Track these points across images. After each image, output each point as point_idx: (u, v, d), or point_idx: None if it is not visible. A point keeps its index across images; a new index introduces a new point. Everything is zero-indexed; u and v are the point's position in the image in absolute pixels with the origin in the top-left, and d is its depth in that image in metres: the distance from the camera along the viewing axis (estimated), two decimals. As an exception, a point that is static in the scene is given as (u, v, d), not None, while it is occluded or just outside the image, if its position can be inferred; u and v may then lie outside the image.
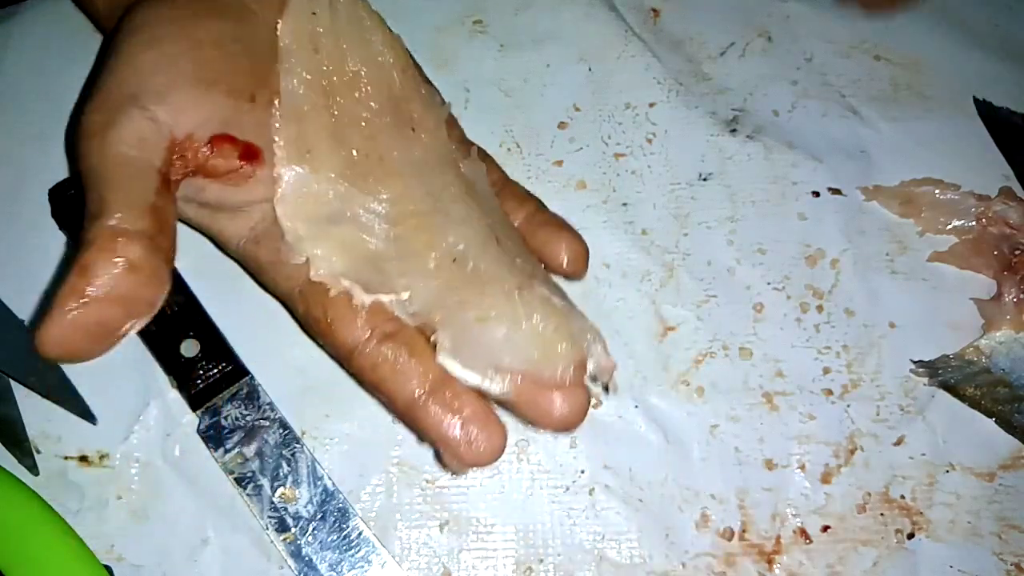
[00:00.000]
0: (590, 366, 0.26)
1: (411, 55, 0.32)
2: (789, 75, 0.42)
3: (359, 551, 0.32)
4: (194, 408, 0.33)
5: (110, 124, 0.25)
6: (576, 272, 0.31)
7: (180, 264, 0.29)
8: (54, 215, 0.36)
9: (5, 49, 0.39)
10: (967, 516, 0.34)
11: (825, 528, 0.34)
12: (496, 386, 0.26)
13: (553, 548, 0.33)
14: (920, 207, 0.39)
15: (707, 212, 0.39)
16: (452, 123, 0.32)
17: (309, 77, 0.28)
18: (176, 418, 0.34)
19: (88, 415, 0.34)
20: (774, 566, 0.33)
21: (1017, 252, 0.38)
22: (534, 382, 0.26)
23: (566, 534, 0.34)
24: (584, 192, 0.39)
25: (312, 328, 0.28)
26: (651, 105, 0.41)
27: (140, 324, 0.24)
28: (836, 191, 0.40)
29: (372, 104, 0.29)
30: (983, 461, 0.35)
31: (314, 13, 0.28)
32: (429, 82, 0.33)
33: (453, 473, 0.33)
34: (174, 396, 0.34)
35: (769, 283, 0.38)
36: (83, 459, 0.34)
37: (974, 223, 0.39)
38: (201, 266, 0.34)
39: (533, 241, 0.31)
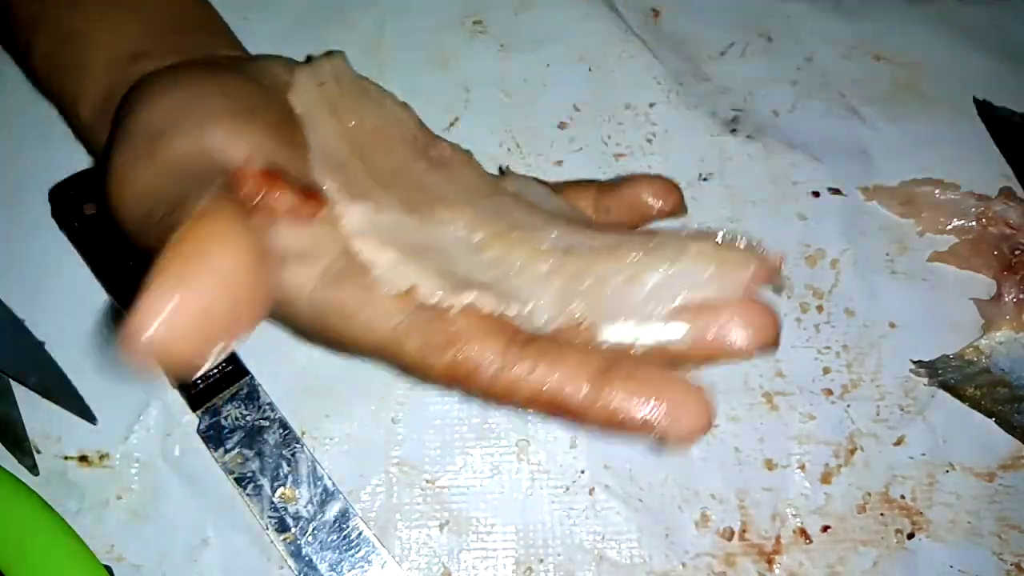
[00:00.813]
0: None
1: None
2: (789, 75, 0.42)
3: (359, 551, 0.32)
4: (194, 408, 0.33)
5: (155, 149, 0.22)
6: (676, 206, 0.28)
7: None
8: (54, 215, 0.36)
9: (5, 51, 0.39)
10: (967, 516, 0.34)
11: (825, 528, 0.34)
12: (676, 331, 0.22)
13: (553, 548, 0.33)
14: (920, 207, 0.39)
15: (707, 212, 0.39)
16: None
17: (335, 132, 0.26)
18: (176, 418, 0.34)
19: (88, 415, 0.34)
20: (774, 566, 0.33)
21: (1017, 252, 0.38)
22: (711, 312, 0.22)
23: (566, 534, 0.34)
24: (584, 192, 0.39)
25: (434, 359, 0.23)
26: (651, 105, 0.41)
27: (249, 329, 0.20)
28: (836, 191, 0.40)
29: (403, 153, 0.27)
30: (983, 461, 0.35)
31: (322, 84, 0.27)
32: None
33: (676, 449, 0.28)
34: (174, 396, 0.34)
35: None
36: (83, 459, 0.34)
37: (974, 223, 0.39)
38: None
39: (618, 207, 0.28)
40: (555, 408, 0.22)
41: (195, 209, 0.19)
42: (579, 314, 0.23)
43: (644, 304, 0.23)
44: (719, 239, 0.23)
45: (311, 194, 0.23)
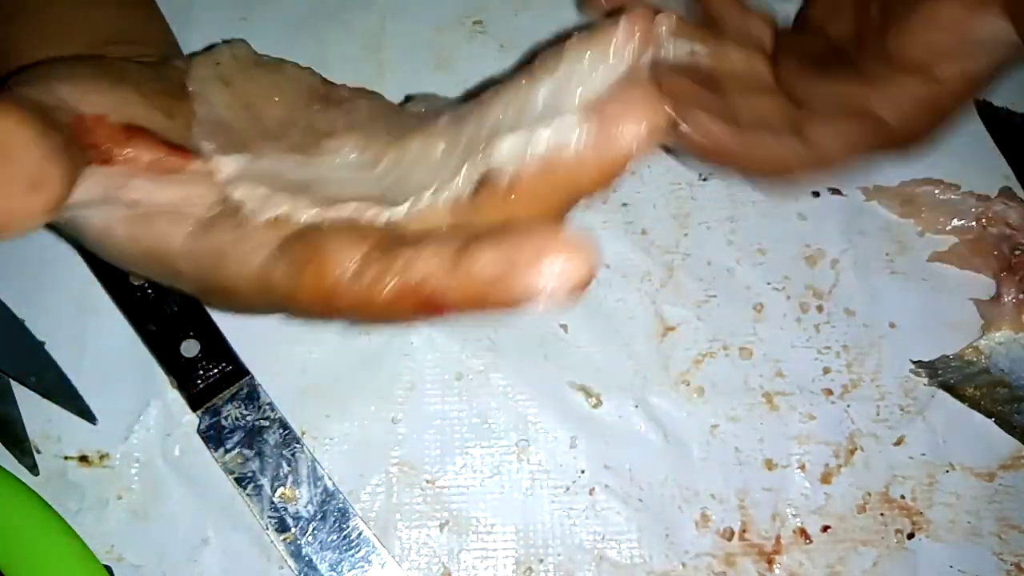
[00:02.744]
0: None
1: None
2: (789, 75, 0.42)
3: (359, 551, 0.32)
4: (194, 408, 0.33)
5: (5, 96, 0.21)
6: None
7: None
8: (54, 215, 0.36)
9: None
10: (967, 516, 0.34)
11: (825, 528, 0.34)
12: (567, 130, 0.20)
13: (553, 548, 0.33)
14: (920, 207, 0.39)
15: (707, 212, 0.39)
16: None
17: (226, 101, 0.26)
18: (176, 418, 0.34)
19: (88, 415, 0.34)
20: (774, 566, 0.33)
21: (1017, 252, 0.38)
22: (601, 105, 0.20)
23: (566, 534, 0.34)
24: (584, 192, 0.39)
25: (303, 280, 0.22)
26: (651, 105, 0.41)
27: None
28: (836, 191, 0.40)
29: (297, 102, 0.27)
30: (983, 461, 0.35)
31: (218, 63, 0.27)
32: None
33: (556, 305, 0.26)
34: (174, 396, 0.34)
35: (769, 283, 0.38)
36: (83, 459, 0.34)
37: (974, 223, 0.39)
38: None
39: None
40: (415, 303, 0.20)
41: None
42: (477, 157, 0.21)
43: (540, 112, 0.21)
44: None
45: (175, 148, 0.23)
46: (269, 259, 0.22)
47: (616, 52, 0.20)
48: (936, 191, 0.39)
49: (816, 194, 0.40)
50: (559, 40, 0.22)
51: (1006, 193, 0.39)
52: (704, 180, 0.40)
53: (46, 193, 0.20)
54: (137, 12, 0.32)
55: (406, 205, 0.22)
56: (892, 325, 0.37)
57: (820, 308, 0.37)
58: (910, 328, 0.37)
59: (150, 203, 0.24)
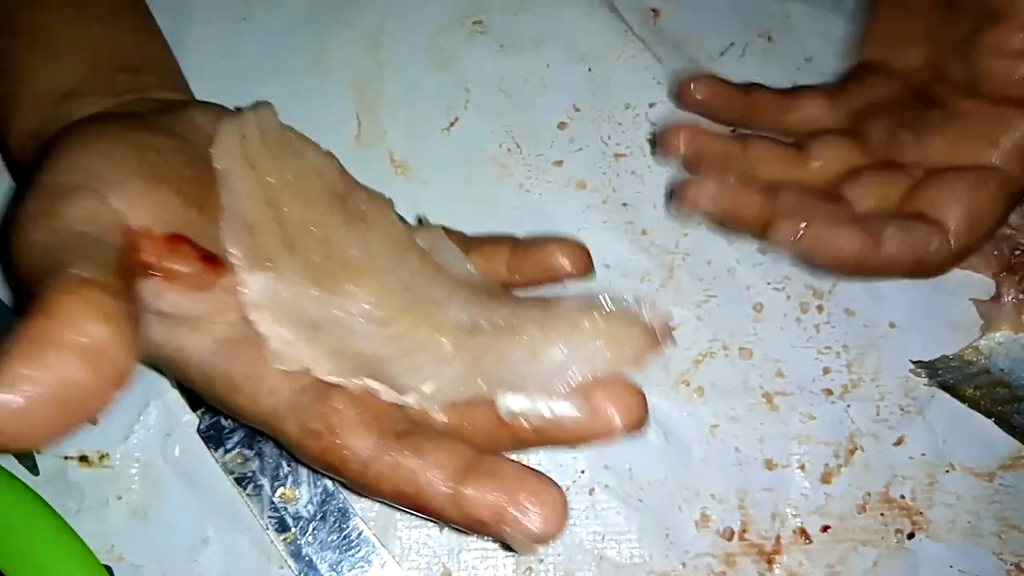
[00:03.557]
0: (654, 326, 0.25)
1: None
2: (789, 75, 0.42)
3: (359, 551, 0.32)
4: (194, 408, 0.33)
5: (56, 208, 0.21)
6: (584, 269, 0.29)
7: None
8: (54, 215, 0.36)
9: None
10: (967, 516, 0.34)
11: (825, 528, 0.34)
12: (573, 408, 0.24)
13: (553, 548, 0.33)
14: (920, 207, 0.39)
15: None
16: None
17: (250, 191, 0.26)
18: (176, 418, 0.34)
19: (88, 415, 0.34)
20: (774, 566, 0.33)
21: (1017, 252, 0.38)
22: (592, 390, 0.24)
23: (566, 534, 0.34)
24: (584, 192, 0.39)
25: (309, 444, 0.24)
26: (651, 105, 0.41)
27: (75, 427, 0.18)
28: (836, 191, 0.40)
29: (318, 207, 0.27)
30: (983, 461, 0.35)
31: (244, 136, 0.27)
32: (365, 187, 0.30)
33: (525, 552, 0.29)
34: (174, 396, 0.34)
35: (769, 283, 0.38)
36: (83, 459, 0.34)
37: (974, 223, 0.39)
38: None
39: (530, 268, 0.29)
40: (416, 506, 0.23)
41: (62, 278, 0.18)
42: (481, 389, 0.24)
43: (548, 375, 0.24)
44: (608, 309, 0.25)
45: (212, 263, 0.24)
46: (282, 408, 0.24)
47: (632, 359, 0.24)
48: (936, 191, 0.39)
49: (816, 194, 0.40)
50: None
51: (1006, 193, 0.39)
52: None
53: (120, 368, 0.19)
54: (131, 28, 0.32)
55: (411, 398, 0.24)
56: (892, 325, 0.37)
57: (820, 308, 0.37)
58: (910, 328, 0.37)
59: (177, 315, 0.24)
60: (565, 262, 0.29)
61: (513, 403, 0.24)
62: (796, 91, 0.37)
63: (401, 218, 0.30)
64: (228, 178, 0.26)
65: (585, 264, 0.29)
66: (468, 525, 0.22)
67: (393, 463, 0.23)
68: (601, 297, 0.25)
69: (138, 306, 0.20)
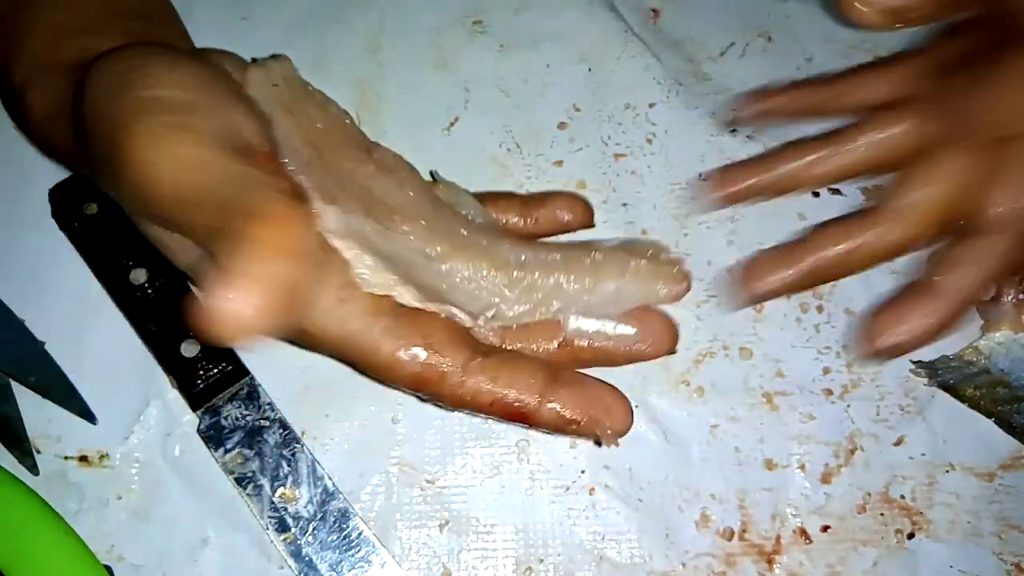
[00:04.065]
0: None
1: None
2: (789, 75, 0.42)
3: (359, 551, 0.32)
4: (194, 408, 0.33)
5: (182, 125, 0.22)
6: (588, 220, 0.32)
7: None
8: (54, 215, 0.36)
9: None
10: (967, 516, 0.34)
11: (825, 528, 0.34)
12: (626, 328, 0.28)
13: (553, 548, 0.33)
14: (920, 207, 0.39)
15: (707, 212, 0.39)
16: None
17: (294, 131, 0.27)
18: (176, 418, 0.34)
19: (88, 415, 0.34)
20: (774, 566, 0.33)
21: (1017, 252, 0.38)
22: (647, 313, 0.28)
23: (566, 534, 0.34)
24: (584, 192, 0.39)
25: (405, 363, 0.25)
26: (651, 105, 0.41)
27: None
28: (836, 191, 0.40)
29: (352, 156, 0.28)
30: (983, 461, 0.35)
31: (275, 85, 0.27)
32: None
33: (607, 445, 0.31)
34: (174, 396, 0.34)
35: (769, 283, 0.38)
36: (83, 459, 0.34)
37: (974, 223, 0.39)
38: (201, 266, 0.34)
39: (543, 220, 0.32)
40: (510, 413, 0.26)
41: (265, 211, 0.21)
42: (547, 313, 0.28)
43: (601, 307, 0.28)
44: (648, 253, 0.29)
45: (300, 195, 0.24)
46: (374, 330, 0.25)
47: (670, 295, 0.28)
48: (936, 191, 0.39)
49: (816, 194, 0.40)
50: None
51: (1006, 193, 0.39)
52: (704, 180, 0.40)
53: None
54: None
55: (483, 321, 0.27)
56: (892, 325, 0.37)
57: (820, 308, 0.37)
58: (910, 328, 0.37)
59: None
60: (569, 215, 0.32)
61: (582, 324, 0.28)
62: (852, 72, 0.36)
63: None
64: (276, 117, 0.26)
65: (588, 215, 0.32)
66: (559, 426, 0.26)
67: (492, 375, 0.25)
68: (637, 241, 0.30)
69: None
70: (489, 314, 0.27)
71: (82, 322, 0.35)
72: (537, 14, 0.42)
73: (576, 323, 0.28)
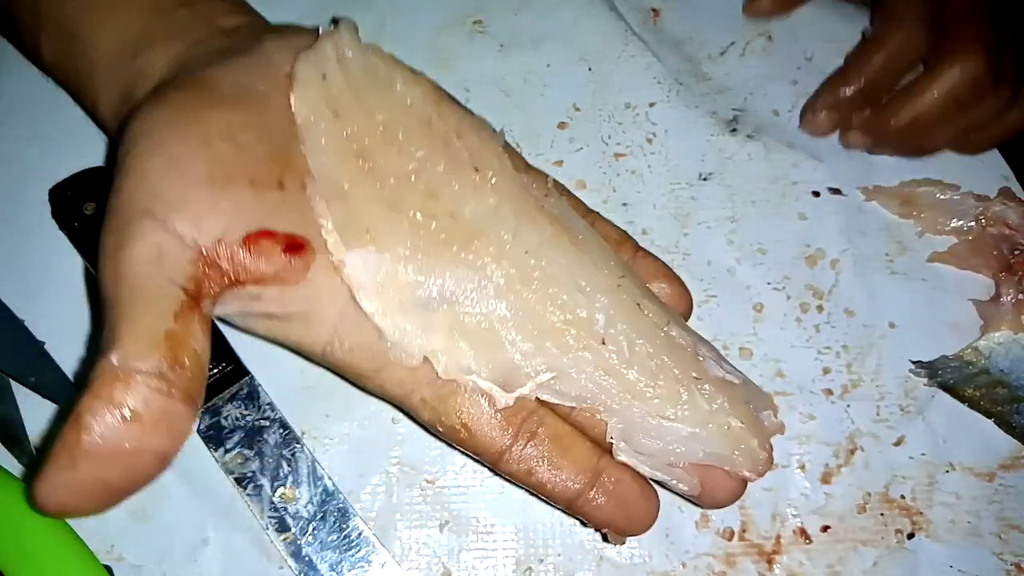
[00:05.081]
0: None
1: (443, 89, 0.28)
2: (789, 75, 0.42)
3: (359, 551, 0.32)
4: (194, 408, 0.33)
5: (122, 244, 0.22)
6: (684, 313, 0.31)
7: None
8: (54, 215, 0.36)
9: (6, 49, 0.39)
10: (967, 516, 0.34)
11: (825, 528, 0.34)
12: (684, 486, 0.26)
13: (553, 548, 0.33)
14: (920, 207, 0.39)
15: (707, 212, 0.39)
16: (510, 152, 0.29)
17: (337, 146, 0.24)
18: (176, 418, 0.34)
19: (88, 415, 0.33)
20: (774, 566, 0.33)
21: (1016, 253, 0.38)
22: (704, 472, 0.26)
23: (566, 534, 0.34)
24: (584, 192, 0.39)
25: (446, 435, 0.26)
26: (651, 105, 0.41)
27: (151, 479, 0.22)
28: (836, 191, 0.40)
29: (416, 152, 0.25)
30: (983, 461, 0.35)
31: (324, 76, 0.25)
32: (470, 112, 0.29)
33: (615, 544, 0.32)
34: (174, 396, 0.34)
35: (769, 283, 0.38)
36: (83, 459, 0.34)
37: (973, 223, 0.39)
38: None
39: (641, 275, 0.30)
40: (544, 495, 0.26)
41: (91, 373, 0.21)
42: (598, 413, 0.25)
43: (666, 445, 0.25)
44: (753, 402, 0.26)
45: (296, 249, 0.23)
46: (413, 399, 0.25)
47: (749, 472, 0.26)
48: (936, 191, 0.39)
49: (816, 194, 0.40)
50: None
51: (1005, 193, 0.39)
52: (704, 180, 0.40)
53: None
54: None
55: (527, 390, 0.25)
56: (892, 325, 0.37)
57: (820, 308, 0.37)
58: (910, 328, 0.37)
59: (283, 313, 0.24)
60: (669, 297, 0.31)
61: (629, 461, 0.25)
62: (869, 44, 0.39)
63: (523, 161, 0.28)
64: (312, 132, 0.24)
65: (686, 310, 0.31)
66: (582, 517, 0.27)
67: (528, 464, 0.26)
68: (750, 386, 0.26)
69: (191, 377, 0.22)
70: (546, 377, 0.24)
71: (82, 322, 0.35)
72: (537, 14, 0.42)
73: (624, 458, 0.25)
